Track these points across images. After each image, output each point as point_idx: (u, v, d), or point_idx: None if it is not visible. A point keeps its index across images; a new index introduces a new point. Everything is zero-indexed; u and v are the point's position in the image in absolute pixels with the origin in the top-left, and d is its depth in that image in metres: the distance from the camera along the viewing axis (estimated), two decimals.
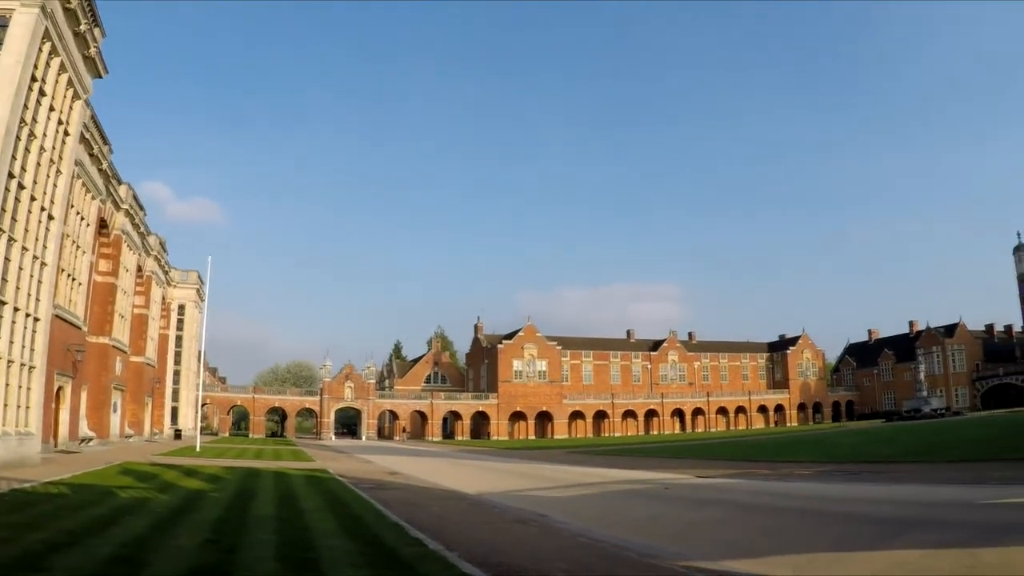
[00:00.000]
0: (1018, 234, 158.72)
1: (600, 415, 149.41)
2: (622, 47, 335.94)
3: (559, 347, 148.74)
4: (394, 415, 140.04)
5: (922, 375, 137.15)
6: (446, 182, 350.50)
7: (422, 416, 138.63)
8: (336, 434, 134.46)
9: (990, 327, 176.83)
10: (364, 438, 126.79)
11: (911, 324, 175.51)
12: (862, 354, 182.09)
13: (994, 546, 13.84)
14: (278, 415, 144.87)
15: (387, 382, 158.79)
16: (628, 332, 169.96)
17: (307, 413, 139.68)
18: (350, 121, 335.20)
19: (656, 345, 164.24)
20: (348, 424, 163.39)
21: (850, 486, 29.10)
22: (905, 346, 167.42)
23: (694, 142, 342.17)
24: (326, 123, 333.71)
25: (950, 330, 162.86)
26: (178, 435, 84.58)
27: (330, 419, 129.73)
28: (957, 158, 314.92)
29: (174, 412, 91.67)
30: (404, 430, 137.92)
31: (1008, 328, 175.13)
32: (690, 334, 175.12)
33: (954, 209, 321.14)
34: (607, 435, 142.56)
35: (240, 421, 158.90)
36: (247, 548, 13.83)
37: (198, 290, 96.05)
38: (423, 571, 12.26)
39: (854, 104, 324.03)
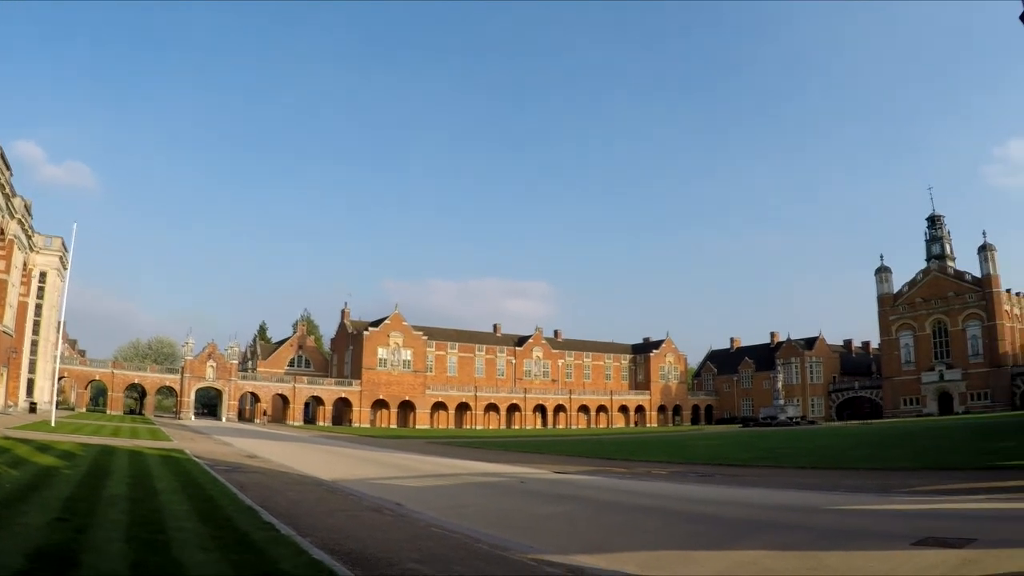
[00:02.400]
0: (881, 257, 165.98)
1: (463, 407, 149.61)
2: (516, 57, 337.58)
3: (425, 337, 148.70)
4: (256, 397, 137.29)
5: (780, 384, 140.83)
6: (323, 163, 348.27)
7: (284, 399, 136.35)
8: (196, 414, 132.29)
9: (848, 342, 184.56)
10: (224, 419, 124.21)
11: (772, 335, 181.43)
12: (723, 361, 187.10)
13: (837, 550, 14.43)
14: (137, 392, 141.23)
15: (250, 363, 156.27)
16: (495, 326, 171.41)
17: (167, 391, 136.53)
18: (228, 96, 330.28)
19: (522, 341, 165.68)
20: (209, 405, 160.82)
21: (703, 487, 29.51)
22: (765, 356, 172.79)
23: (574, 149, 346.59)
24: (205, 95, 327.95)
25: (810, 343, 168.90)
26: (33, 408, 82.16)
27: (190, 399, 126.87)
28: (831, 184, 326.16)
29: (30, 384, 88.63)
30: (265, 413, 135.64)
31: (866, 344, 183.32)
32: (556, 332, 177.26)
33: (825, 231, 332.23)
34: (469, 427, 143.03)
35: (98, 397, 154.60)
36: (97, 527, 13.64)
37: (61, 258, 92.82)
38: (273, 555, 12.26)
39: (734, 125, 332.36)
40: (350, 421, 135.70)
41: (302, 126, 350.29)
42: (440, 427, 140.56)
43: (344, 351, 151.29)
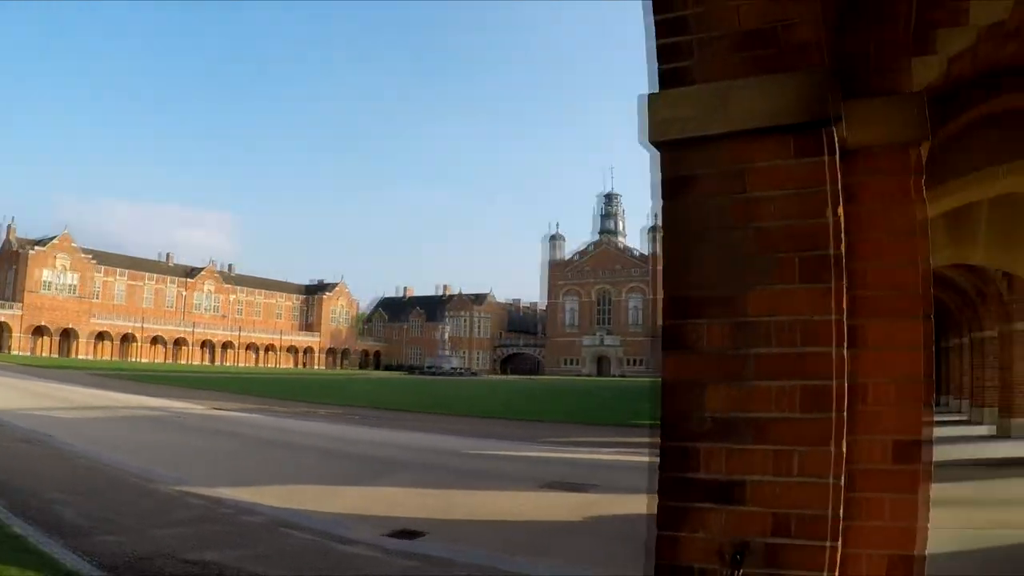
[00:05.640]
0: (556, 225, 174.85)
1: (128, 338, 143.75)
2: None
3: (94, 261, 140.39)
4: None
5: (447, 335, 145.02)
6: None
7: None
8: None
9: (517, 301, 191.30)
10: None
11: (444, 287, 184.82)
12: (394, 309, 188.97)
13: (469, 489, 16.02)
14: None
15: None
16: (167, 255, 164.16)
17: None
18: None
19: (193, 272, 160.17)
20: None
21: (359, 428, 30.69)
22: (436, 307, 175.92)
23: (279, 83, 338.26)
24: None
25: (479, 298, 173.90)
26: None
27: None
28: (517, 152, 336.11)
29: None
30: None
31: (533, 305, 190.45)
32: (230, 266, 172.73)
33: (508, 196, 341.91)
34: (134, 359, 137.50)
35: None
36: None
37: None
38: None
39: (438, 88, 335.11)
40: (8, 348, 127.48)
41: None
42: (103, 358, 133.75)
43: (6, 271, 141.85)
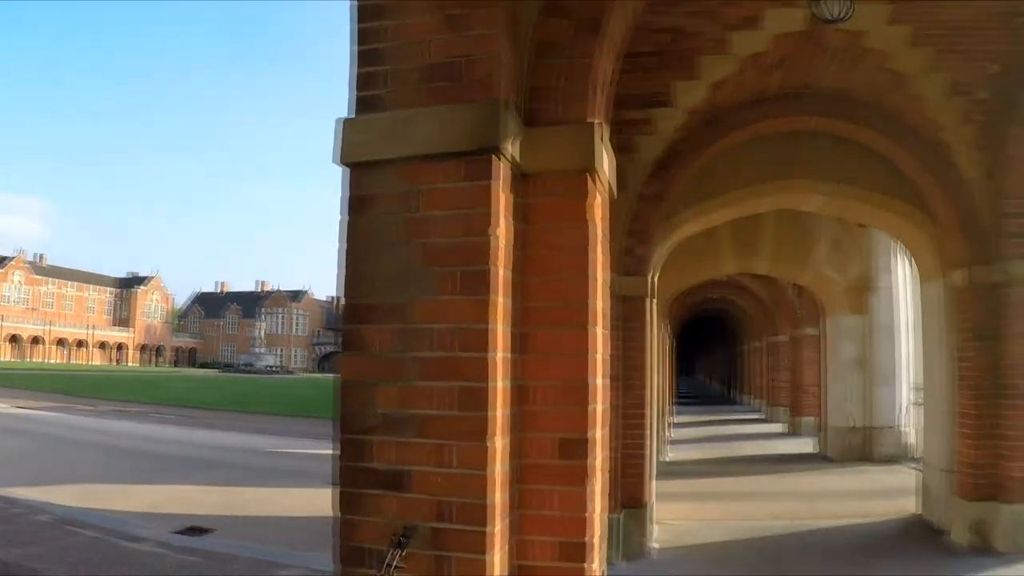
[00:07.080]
0: None
1: None
2: None
3: None
4: None
5: (262, 333, 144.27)
6: None
7: None
8: None
9: (335, 299, 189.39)
10: None
11: (262, 284, 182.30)
12: (211, 304, 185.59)
13: (259, 486, 16.41)
14: None
15: None
16: None
17: None
18: None
19: (2, 262, 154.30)
20: None
21: (164, 428, 30.78)
22: (253, 303, 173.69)
23: (81, 64, 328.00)
24: None
25: (297, 296, 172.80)
26: None
27: None
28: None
29: None
30: None
31: None
32: (40, 256, 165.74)
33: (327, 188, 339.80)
34: None
35: None
36: None
37: None
38: None
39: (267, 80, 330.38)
40: None
41: None
42: None
43: None
